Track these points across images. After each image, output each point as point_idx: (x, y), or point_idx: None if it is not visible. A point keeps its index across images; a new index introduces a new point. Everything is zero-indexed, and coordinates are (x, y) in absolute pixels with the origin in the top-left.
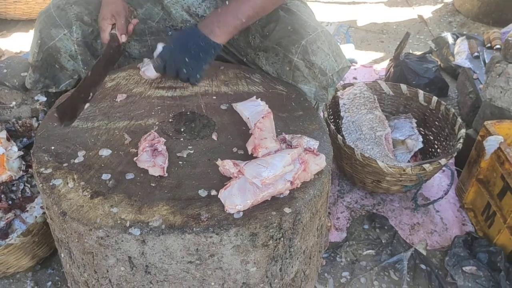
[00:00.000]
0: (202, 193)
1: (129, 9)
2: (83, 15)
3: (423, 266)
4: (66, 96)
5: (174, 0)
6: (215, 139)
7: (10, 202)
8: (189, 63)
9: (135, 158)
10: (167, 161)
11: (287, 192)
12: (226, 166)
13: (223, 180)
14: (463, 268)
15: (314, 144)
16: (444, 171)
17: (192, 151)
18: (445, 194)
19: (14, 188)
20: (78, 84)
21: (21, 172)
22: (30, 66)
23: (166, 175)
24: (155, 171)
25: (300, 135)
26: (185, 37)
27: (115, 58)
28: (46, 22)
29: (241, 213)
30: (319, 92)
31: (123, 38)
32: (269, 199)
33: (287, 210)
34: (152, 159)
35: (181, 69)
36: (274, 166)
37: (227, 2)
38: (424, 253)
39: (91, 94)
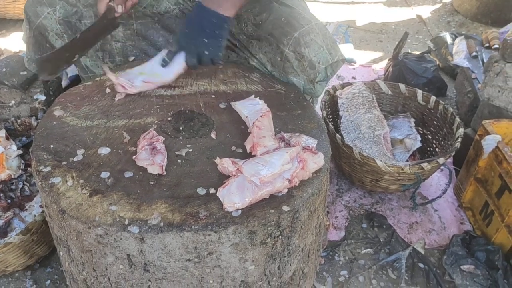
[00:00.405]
0: (201, 191)
1: None
2: None
3: (421, 265)
4: (50, 53)
5: None
6: (214, 137)
7: (9, 201)
8: (209, 44)
9: (134, 157)
10: (166, 160)
11: (285, 190)
12: (225, 164)
13: (222, 178)
14: (461, 267)
15: (312, 142)
16: (442, 170)
17: (191, 150)
18: (443, 193)
19: (13, 187)
20: (65, 43)
21: (20, 171)
22: (25, 45)
23: (165, 173)
24: (154, 169)
25: (298, 134)
26: (195, 18)
27: (108, 30)
28: (33, 0)
29: (240, 211)
30: (306, 85)
31: (119, 9)
32: (268, 197)
33: (285, 208)
34: (151, 158)
35: (203, 52)
36: (272, 165)
37: None
38: (422, 252)
39: (76, 56)
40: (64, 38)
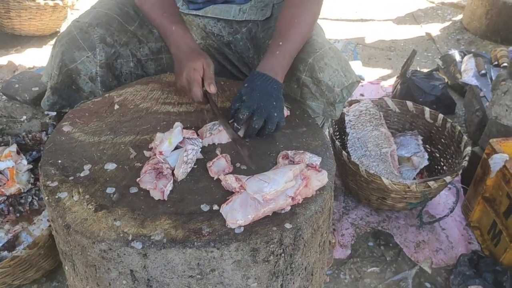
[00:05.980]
0: (204, 207)
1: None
2: (106, 37)
3: (428, 285)
4: None
5: (190, 18)
6: (219, 154)
7: (18, 215)
8: (277, 106)
9: (138, 179)
10: (169, 185)
11: (288, 207)
12: (229, 181)
13: (226, 195)
14: (469, 287)
15: (316, 160)
16: (450, 188)
17: (195, 166)
18: (451, 211)
19: (22, 201)
20: None
21: (30, 185)
22: (48, 88)
23: (166, 199)
24: (155, 194)
25: (302, 151)
26: (260, 83)
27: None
28: (69, 44)
29: (242, 228)
30: (327, 108)
31: (212, 89)
32: (270, 214)
33: (288, 225)
34: (155, 181)
35: (272, 114)
36: (275, 182)
37: (280, 42)
38: (429, 271)
39: None
40: (97, 81)
